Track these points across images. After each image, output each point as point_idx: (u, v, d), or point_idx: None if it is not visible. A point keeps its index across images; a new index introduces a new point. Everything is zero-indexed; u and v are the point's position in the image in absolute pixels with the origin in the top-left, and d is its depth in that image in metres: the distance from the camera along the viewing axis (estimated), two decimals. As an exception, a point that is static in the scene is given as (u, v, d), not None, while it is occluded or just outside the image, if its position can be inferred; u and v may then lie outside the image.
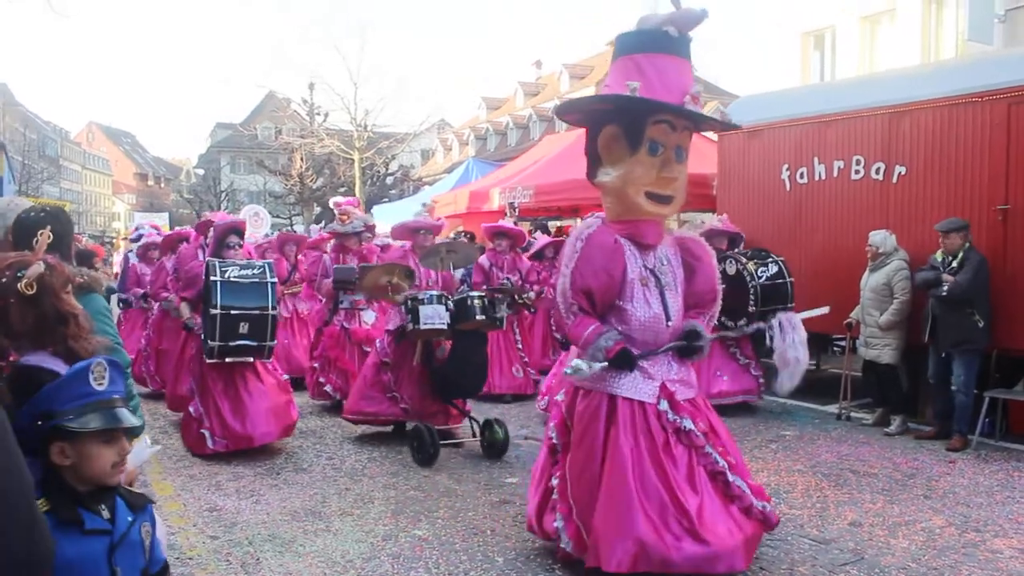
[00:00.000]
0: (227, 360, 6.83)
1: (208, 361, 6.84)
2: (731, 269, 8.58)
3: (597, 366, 3.73)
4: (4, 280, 2.37)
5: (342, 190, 35.26)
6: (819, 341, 9.56)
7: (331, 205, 9.45)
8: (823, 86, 14.51)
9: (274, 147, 41.32)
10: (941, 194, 7.95)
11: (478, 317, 6.91)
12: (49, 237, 3.19)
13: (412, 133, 34.96)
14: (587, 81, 43.79)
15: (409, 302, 6.95)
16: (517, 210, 12.74)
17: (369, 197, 32.59)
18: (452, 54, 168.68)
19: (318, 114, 37.10)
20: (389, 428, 7.76)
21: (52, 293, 2.45)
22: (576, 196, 13.72)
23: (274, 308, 6.89)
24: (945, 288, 7.22)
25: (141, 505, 2.36)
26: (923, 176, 8.09)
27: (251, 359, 6.99)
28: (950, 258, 7.33)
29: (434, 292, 7.03)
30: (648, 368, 3.90)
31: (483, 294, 7.17)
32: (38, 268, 2.44)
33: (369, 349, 8.49)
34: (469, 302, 6.94)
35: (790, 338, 3.92)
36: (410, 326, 6.90)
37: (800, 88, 14.30)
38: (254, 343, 6.82)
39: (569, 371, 3.73)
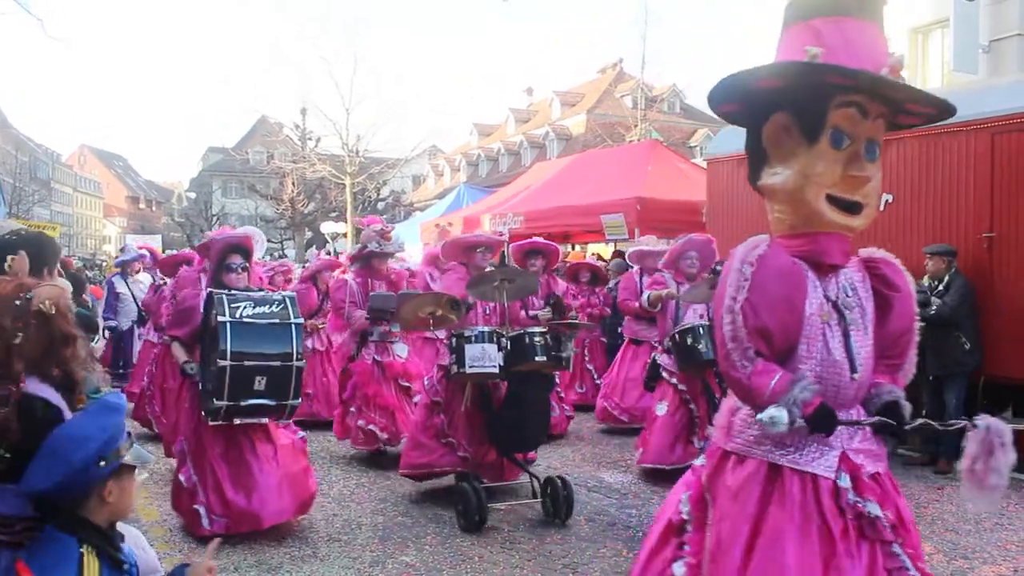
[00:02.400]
0: (235, 422, 5.33)
1: (211, 423, 5.34)
2: None
3: (798, 422, 2.77)
4: (18, 303, 2.35)
5: (333, 215, 35.33)
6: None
7: (359, 225, 8.25)
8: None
9: (266, 171, 41.47)
10: (927, 222, 8.02)
11: (539, 358, 5.83)
12: (17, 261, 3.16)
13: (404, 159, 35.08)
14: (577, 108, 44.12)
15: (454, 340, 5.90)
16: (507, 236, 12.77)
17: (360, 222, 32.62)
18: (445, 78, 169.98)
19: (310, 139, 37.25)
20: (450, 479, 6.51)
21: (62, 315, 2.45)
22: (566, 223, 13.81)
23: (300, 357, 5.33)
24: (933, 308, 7.29)
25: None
26: (910, 204, 8.17)
27: (265, 420, 5.50)
28: (936, 282, 7.44)
29: (484, 328, 5.91)
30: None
31: (545, 330, 6.02)
32: (54, 291, 2.43)
33: (407, 384, 7.67)
34: (528, 340, 5.84)
35: (996, 460, 2.74)
36: (454, 368, 5.87)
37: (789, 116, 14.38)
38: (272, 402, 5.26)
39: (764, 419, 2.78)
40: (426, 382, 6.51)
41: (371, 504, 6.36)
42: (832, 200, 2.89)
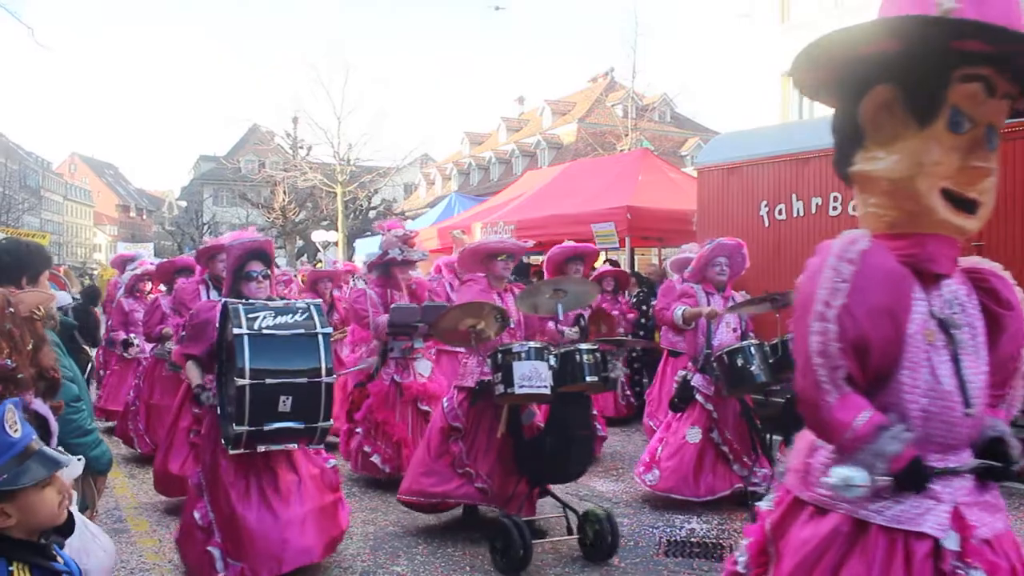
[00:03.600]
0: (259, 449, 4.60)
1: (231, 452, 4.60)
2: None
3: (877, 481, 2.22)
4: (11, 310, 2.35)
5: (324, 223, 35.30)
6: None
7: (382, 229, 7.33)
8: (801, 123, 14.72)
9: (257, 180, 41.39)
10: (917, 231, 8.07)
11: (589, 378, 5.23)
12: None
13: (395, 167, 35.13)
14: (568, 117, 44.25)
15: (500, 355, 5.26)
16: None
17: (351, 231, 32.63)
18: (436, 89, 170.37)
19: (301, 147, 37.28)
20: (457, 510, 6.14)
21: (42, 320, 2.49)
22: (558, 232, 13.78)
23: (330, 372, 4.58)
24: None
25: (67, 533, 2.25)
26: (899, 213, 8.21)
27: (293, 445, 4.76)
28: None
29: (532, 344, 5.30)
30: (933, 483, 2.31)
31: (595, 346, 5.38)
32: (39, 296, 2.43)
33: (426, 408, 6.90)
34: (578, 357, 5.23)
35: None
36: (500, 388, 5.22)
37: (779, 126, 14.52)
38: (300, 425, 4.54)
39: (835, 481, 2.24)
40: (444, 404, 5.86)
41: (362, 514, 6.34)
42: (948, 195, 2.30)
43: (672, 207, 12.06)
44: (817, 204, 8.95)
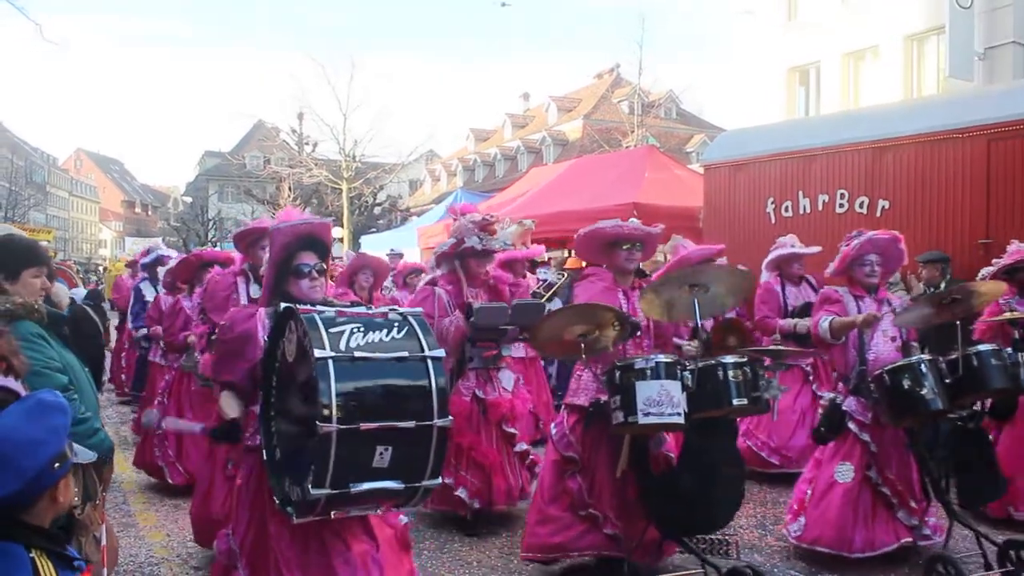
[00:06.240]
0: (332, 515, 3.12)
1: (296, 520, 3.12)
2: None
3: None
4: None
5: (330, 220, 35.35)
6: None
7: (455, 214, 6.30)
8: (808, 121, 14.72)
9: (262, 176, 41.47)
10: (924, 228, 8.07)
11: (736, 401, 4.14)
12: None
13: (400, 163, 35.15)
14: (574, 113, 44.23)
15: (618, 373, 4.17)
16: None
17: (356, 227, 32.65)
18: (441, 86, 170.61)
19: (307, 144, 37.31)
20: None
21: None
22: (565, 228, 13.80)
23: (445, 412, 3.10)
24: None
25: None
26: (906, 210, 8.22)
27: (379, 510, 3.32)
28: (931, 290, 7.48)
29: (661, 357, 4.17)
30: None
31: (743, 359, 4.22)
32: None
33: (512, 430, 5.76)
34: (721, 374, 4.13)
35: None
36: (619, 416, 4.13)
37: (785, 123, 14.51)
38: (399, 484, 3.08)
39: None
40: (553, 430, 4.81)
41: (369, 509, 6.31)
42: None
43: (679, 204, 12.06)
44: (824, 201, 8.96)
